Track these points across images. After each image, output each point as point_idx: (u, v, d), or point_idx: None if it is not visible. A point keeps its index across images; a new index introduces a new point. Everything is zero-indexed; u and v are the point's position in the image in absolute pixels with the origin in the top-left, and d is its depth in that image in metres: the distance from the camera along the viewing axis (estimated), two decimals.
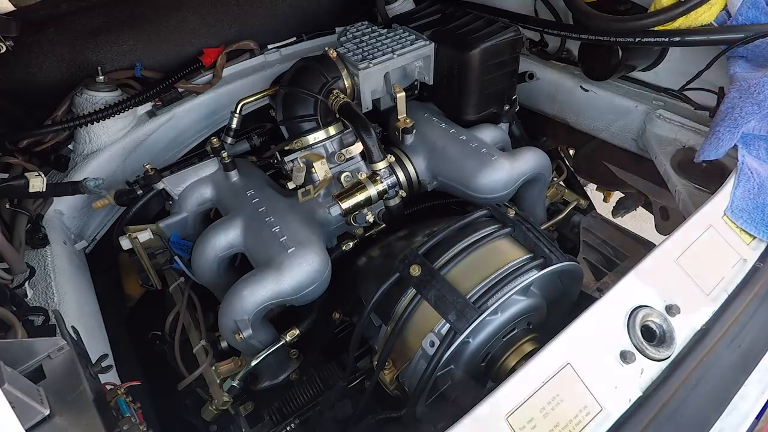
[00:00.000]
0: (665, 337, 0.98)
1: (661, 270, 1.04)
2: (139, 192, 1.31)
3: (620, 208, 1.86)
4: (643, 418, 0.88)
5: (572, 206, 1.49)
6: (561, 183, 1.64)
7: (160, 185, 1.29)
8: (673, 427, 0.89)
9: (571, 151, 1.94)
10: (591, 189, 1.98)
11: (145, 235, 1.24)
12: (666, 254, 1.06)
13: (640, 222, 2.33)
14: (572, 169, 1.87)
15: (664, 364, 0.95)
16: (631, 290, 1.00)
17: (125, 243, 1.23)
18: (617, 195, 1.96)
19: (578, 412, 0.87)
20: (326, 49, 1.33)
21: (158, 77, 1.50)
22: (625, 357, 0.93)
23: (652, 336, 0.98)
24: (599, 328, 0.96)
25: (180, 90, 1.50)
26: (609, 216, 1.83)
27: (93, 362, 0.80)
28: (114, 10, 1.41)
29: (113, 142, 1.41)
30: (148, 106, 1.48)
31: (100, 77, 1.39)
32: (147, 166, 1.29)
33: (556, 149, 1.90)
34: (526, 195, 1.37)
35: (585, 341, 0.94)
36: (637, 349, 0.95)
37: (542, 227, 1.35)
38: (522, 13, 1.60)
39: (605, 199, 2.08)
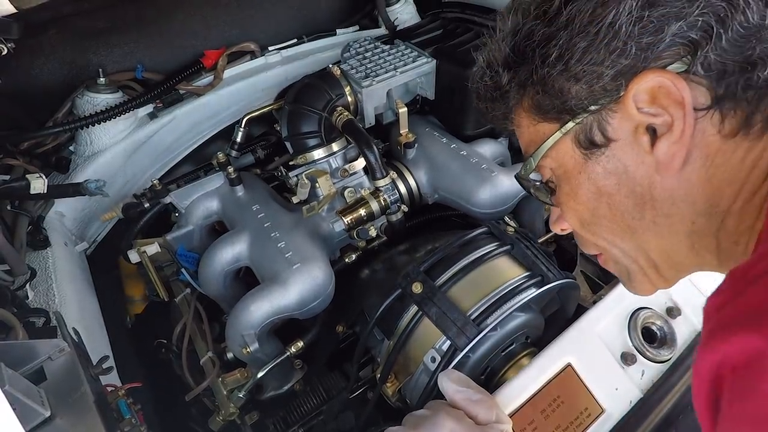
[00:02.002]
0: (666, 338, 0.98)
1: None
2: (146, 205, 1.33)
3: None
4: (644, 420, 0.88)
5: None
6: None
7: (168, 199, 1.32)
8: (673, 429, 0.89)
9: None
10: None
11: (153, 249, 1.26)
12: None
13: None
14: None
15: (665, 366, 0.95)
16: None
17: (134, 257, 1.25)
18: None
19: (579, 413, 0.87)
20: (330, 66, 1.36)
21: (159, 79, 1.50)
22: (626, 359, 0.93)
23: (653, 338, 0.99)
24: (600, 329, 0.96)
25: (181, 92, 1.51)
26: None
27: (94, 364, 0.80)
28: (115, 12, 1.41)
29: (114, 144, 1.41)
30: (149, 108, 1.48)
31: (102, 79, 1.39)
32: (154, 181, 1.33)
33: None
34: (525, 208, 1.39)
35: (586, 343, 0.94)
36: (637, 350, 0.95)
37: (541, 239, 1.38)
38: None
39: None
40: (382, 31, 1.80)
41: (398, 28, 1.78)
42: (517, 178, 0.73)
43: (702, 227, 0.57)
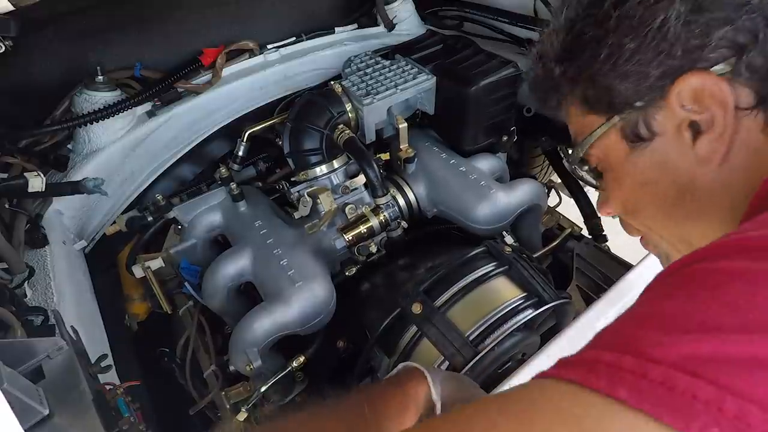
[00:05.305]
0: None
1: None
2: (150, 219, 1.35)
3: None
4: None
5: (567, 233, 1.55)
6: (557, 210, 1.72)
7: (171, 214, 1.34)
8: None
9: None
10: (590, 189, 1.98)
11: (156, 264, 1.28)
12: None
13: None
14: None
15: None
16: (630, 289, 1.01)
17: (138, 271, 1.27)
18: None
19: None
20: (331, 83, 1.39)
21: (158, 77, 1.49)
22: None
23: None
24: (599, 327, 0.96)
25: (179, 90, 1.50)
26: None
27: (92, 362, 0.80)
28: (114, 10, 1.40)
29: (113, 142, 1.40)
30: (147, 106, 1.47)
31: (100, 77, 1.38)
32: (158, 197, 1.35)
33: (555, 149, 1.90)
34: (522, 223, 1.42)
35: (585, 341, 0.94)
36: None
37: (538, 254, 1.42)
38: (522, 13, 1.60)
39: None
40: (381, 29, 1.80)
41: (396, 26, 1.78)
42: (566, 164, 0.75)
43: (734, 223, 0.58)
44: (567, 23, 0.64)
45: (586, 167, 0.72)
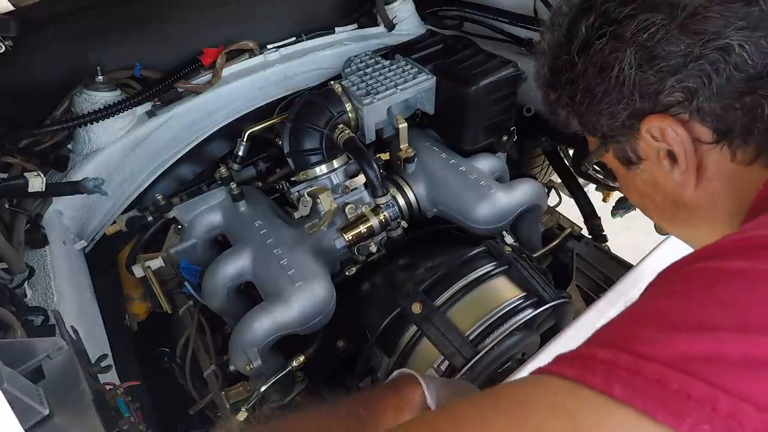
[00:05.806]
0: None
1: (661, 269, 1.05)
2: (150, 219, 1.36)
3: (619, 208, 1.87)
4: None
5: (567, 233, 1.55)
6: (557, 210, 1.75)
7: (171, 214, 1.35)
8: None
9: (571, 151, 1.94)
10: (591, 189, 1.98)
11: (157, 263, 1.28)
12: (666, 253, 1.07)
13: (635, 233, 2.33)
14: (572, 169, 1.88)
15: None
16: (629, 289, 1.01)
17: (138, 271, 1.28)
18: (616, 195, 1.96)
19: None
20: (331, 83, 1.39)
21: (158, 77, 1.49)
22: None
23: None
24: (599, 326, 0.96)
25: (179, 90, 1.50)
26: (608, 215, 1.84)
27: (92, 362, 0.80)
28: (114, 10, 1.40)
29: (113, 142, 1.40)
30: (147, 106, 1.47)
31: (100, 77, 1.38)
32: (158, 197, 1.35)
33: (555, 149, 1.90)
34: (522, 223, 1.43)
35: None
36: None
37: (538, 253, 1.43)
38: (522, 13, 1.60)
39: (604, 199, 2.08)
40: (381, 29, 1.80)
41: (396, 26, 1.78)
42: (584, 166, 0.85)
43: (736, 226, 0.60)
44: (550, 53, 0.68)
45: (600, 171, 0.76)
